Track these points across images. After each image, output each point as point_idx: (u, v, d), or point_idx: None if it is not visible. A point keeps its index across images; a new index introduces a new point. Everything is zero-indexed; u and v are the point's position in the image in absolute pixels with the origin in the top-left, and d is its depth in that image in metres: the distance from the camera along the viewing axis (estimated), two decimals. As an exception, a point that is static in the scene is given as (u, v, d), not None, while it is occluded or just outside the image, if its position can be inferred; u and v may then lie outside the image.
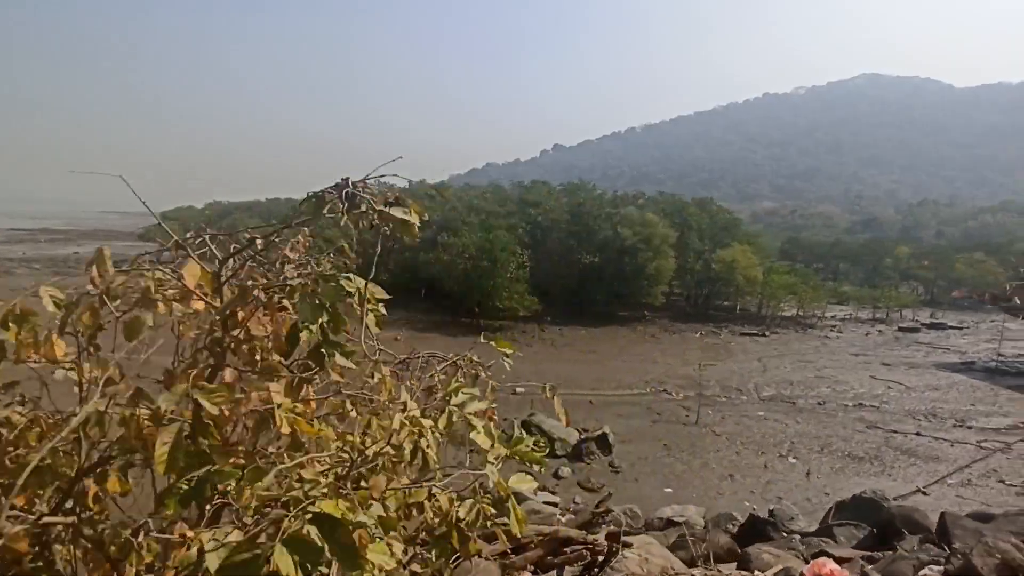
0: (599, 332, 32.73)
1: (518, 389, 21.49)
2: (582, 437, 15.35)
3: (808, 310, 40.57)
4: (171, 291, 1.77)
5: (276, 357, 1.88)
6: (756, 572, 5.53)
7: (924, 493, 14.06)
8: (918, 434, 18.18)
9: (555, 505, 11.62)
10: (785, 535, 8.49)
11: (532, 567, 5.17)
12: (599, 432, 15.43)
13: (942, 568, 4.94)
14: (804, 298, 38.95)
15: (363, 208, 1.76)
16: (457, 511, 1.95)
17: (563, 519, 5.61)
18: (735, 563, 6.05)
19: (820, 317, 40.04)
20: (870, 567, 5.38)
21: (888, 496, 14.06)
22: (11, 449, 1.64)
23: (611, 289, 35.15)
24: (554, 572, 5.11)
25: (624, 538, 5.49)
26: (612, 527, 5.47)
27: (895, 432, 18.30)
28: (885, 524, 9.19)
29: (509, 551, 5.08)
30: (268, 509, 1.42)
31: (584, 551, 5.06)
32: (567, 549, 5.16)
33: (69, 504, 1.65)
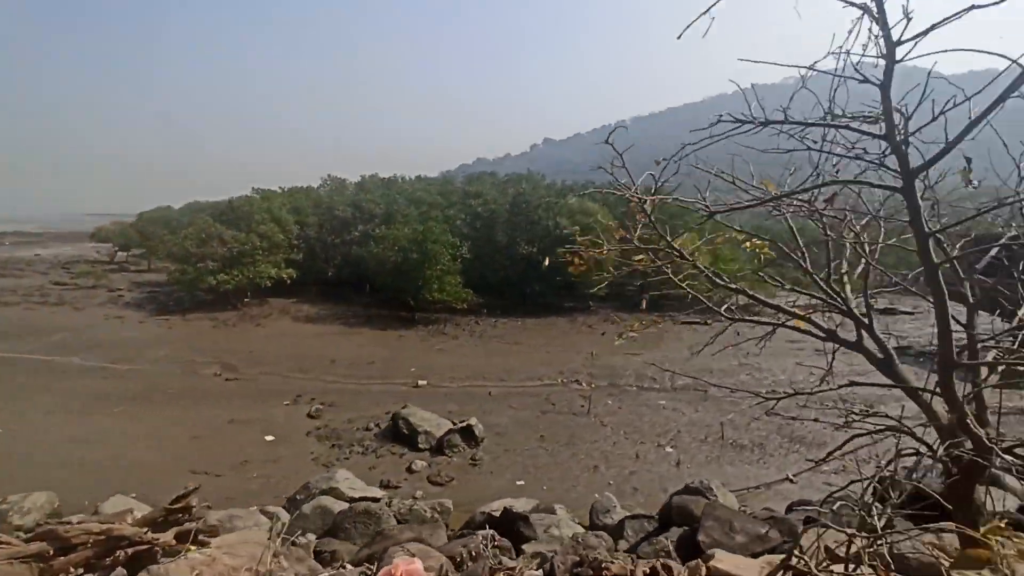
0: (536, 323, 32.11)
1: (420, 382, 21.09)
2: (447, 430, 14.69)
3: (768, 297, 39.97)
4: None
5: None
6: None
7: (792, 481, 13.53)
8: (816, 420, 17.50)
9: (376, 500, 10.98)
10: (546, 532, 7.89)
11: (78, 569, 4.55)
12: (463, 424, 14.78)
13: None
14: (757, 286, 38.24)
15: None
16: None
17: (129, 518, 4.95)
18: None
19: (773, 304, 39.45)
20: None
21: (758, 485, 13.65)
22: None
23: (551, 280, 34.50)
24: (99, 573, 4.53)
25: (205, 538, 4.85)
26: (195, 525, 4.79)
27: (794, 419, 17.57)
28: (664, 517, 8.64)
29: (51, 553, 4.47)
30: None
31: (123, 552, 4.46)
32: (128, 549, 4.56)
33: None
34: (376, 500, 11.00)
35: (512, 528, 7.85)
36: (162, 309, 32.62)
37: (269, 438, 15.27)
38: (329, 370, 22.03)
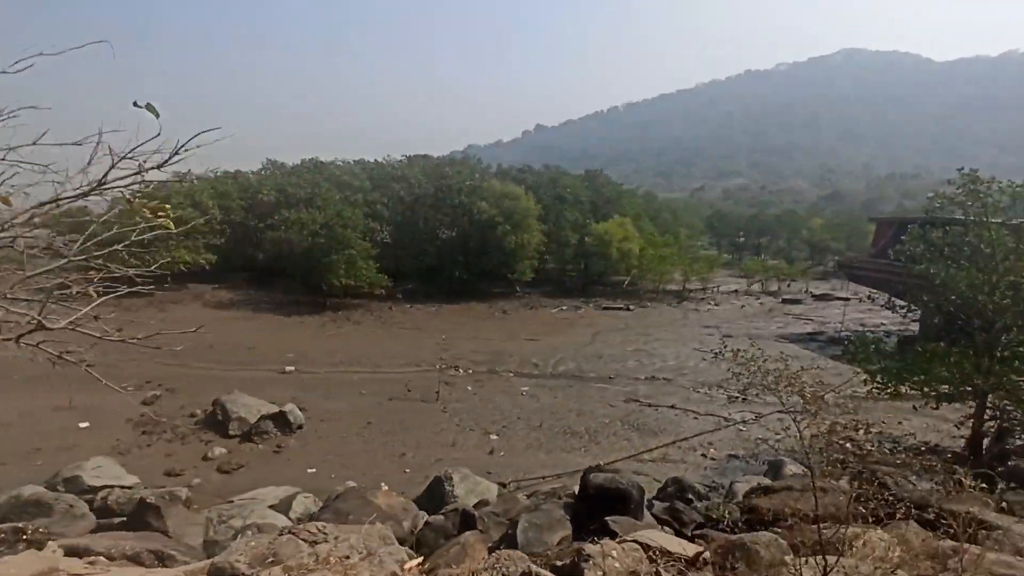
0: (452, 309, 31.60)
1: (287, 368, 20.58)
2: (259, 416, 14.19)
3: (698, 283, 39.63)
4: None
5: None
6: None
7: (601, 469, 13.07)
8: (673, 407, 17.19)
9: (128, 488, 10.50)
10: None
11: None
12: (277, 411, 14.29)
13: None
14: (688, 271, 37.98)
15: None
16: None
17: None
18: None
19: (704, 290, 39.06)
20: None
21: (558, 471, 13.10)
22: None
23: (472, 265, 34.00)
24: None
25: None
26: None
27: (651, 406, 17.31)
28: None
29: None
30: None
31: None
32: None
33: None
34: (128, 488, 10.57)
35: (142, 519, 7.38)
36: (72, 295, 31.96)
37: (84, 425, 14.78)
38: (201, 356, 21.47)
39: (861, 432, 16.35)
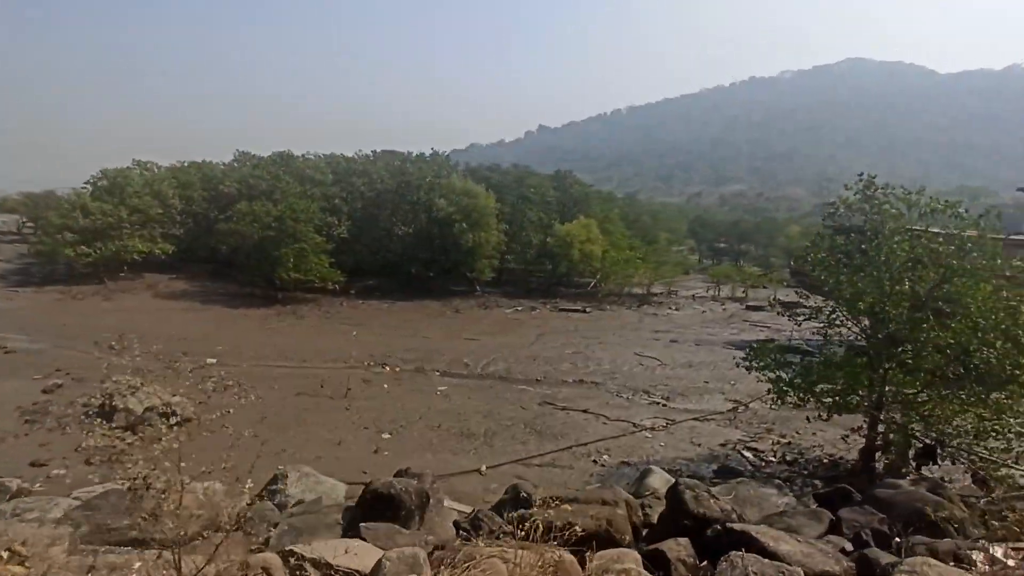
0: (404, 306, 31.32)
1: (208, 360, 20.29)
2: (145, 408, 13.90)
3: (663, 287, 39.31)
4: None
5: None
6: None
7: (480, 473, 12.77)
8: (586, 411, 16.85)
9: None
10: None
11: None
12: (163, 402, 14.00)
13: None
14: (652, 275, 37.66)
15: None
16: None
17: None
18: None
19: (669, 294, 38.70)
20: None
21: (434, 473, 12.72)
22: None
23: (430, 262, 33.75)
24: None
25: None
26: None
27: (563, 409, 16.98)
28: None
29: None
30: None
31: None
32: None
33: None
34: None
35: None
36: (24, 281, 31.76)
37: (-31, 411, 14.51)
38: (128, 345, 21.18)
39: (771, 443, 15.96)
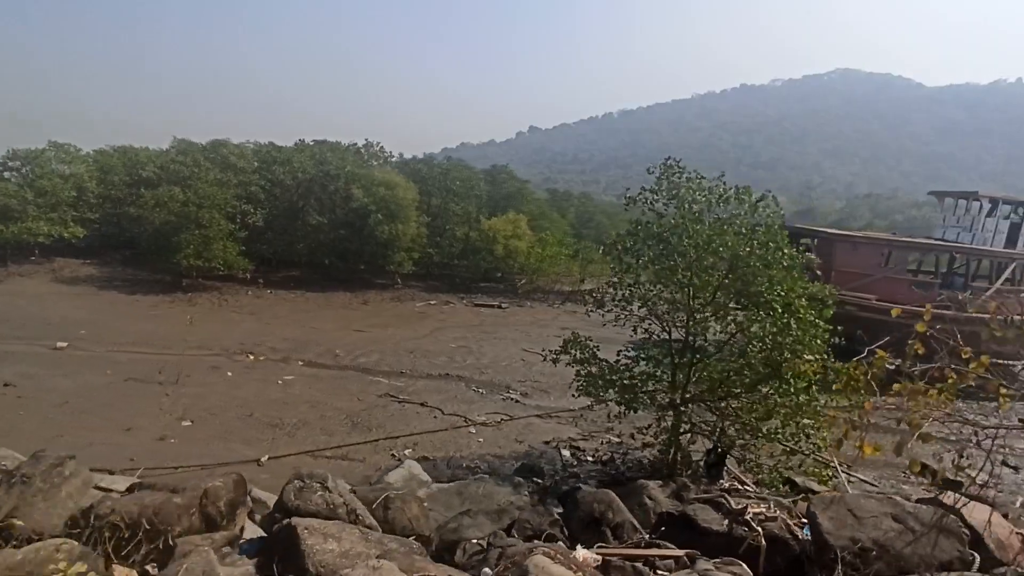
0: (311, 297, 30.65)
1: (59, 344, 19.56)
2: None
3: (599, 284, 38.78)
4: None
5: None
6: None
7: (259, 463, 12.17)
8: (423, 404, 16.28)
9: None
10: None
11: None
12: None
13: None
14: (582, 273, 37.18)
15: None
16: None
17: None
18: None
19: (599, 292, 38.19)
20: None
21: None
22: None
23: (346, 254, 33.17)
24: None
25: None
26: None
27: (401, 402, 16.39)
28: None
29: None
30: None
31: None
32: None
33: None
34: None
35: None
36: (-77, 262, 30.87)
37: None
38: (-18, 328, 20.48)
39: (601, 442, 15.39)
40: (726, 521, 6.36)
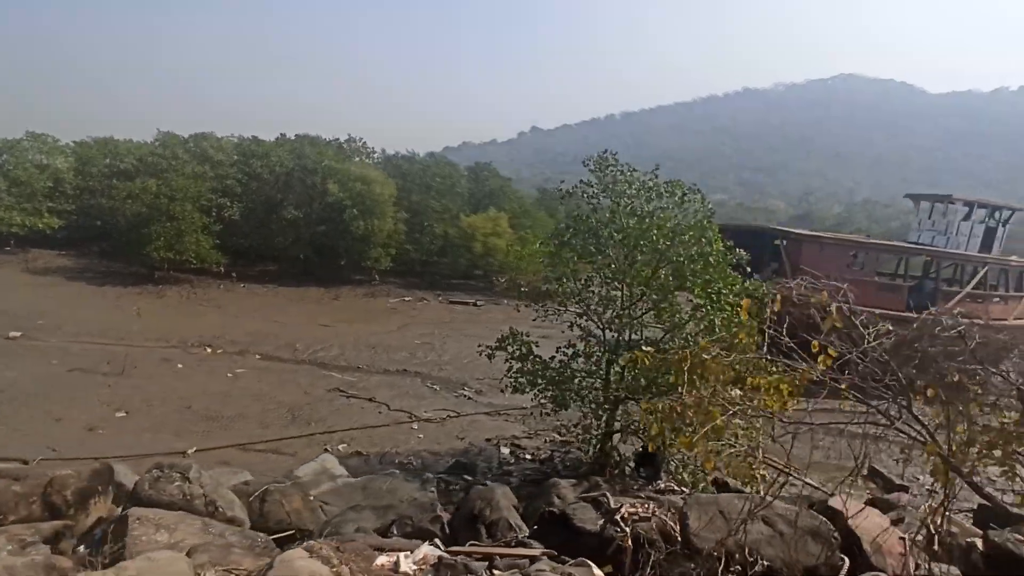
0: (284, 291, 30.44)
1: (12, 334, 19.35)
2: None
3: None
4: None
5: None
6: None
7: (184, 455, 11.93)
8: (371, 399, 16.04)
9: None
10: None
11: None
12: None
13: None
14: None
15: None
16: None
17: None
18: None
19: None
20: None
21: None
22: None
23: (323, 249, 33.01)
24: None
25: None
26: None
27: (348, 396, 16.16)
28: None
29: None
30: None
31: None
32: None
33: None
34: None
35: None
36: None
37: None
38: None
39: (544, 441, 15.10)
40: (601, 521, 6.13)
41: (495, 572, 4.87)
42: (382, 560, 4.96)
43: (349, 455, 12.62)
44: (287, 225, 32.28)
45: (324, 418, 14.45)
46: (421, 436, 14.02)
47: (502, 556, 5.45)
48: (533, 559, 5.38)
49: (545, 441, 14.43)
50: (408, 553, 5.16)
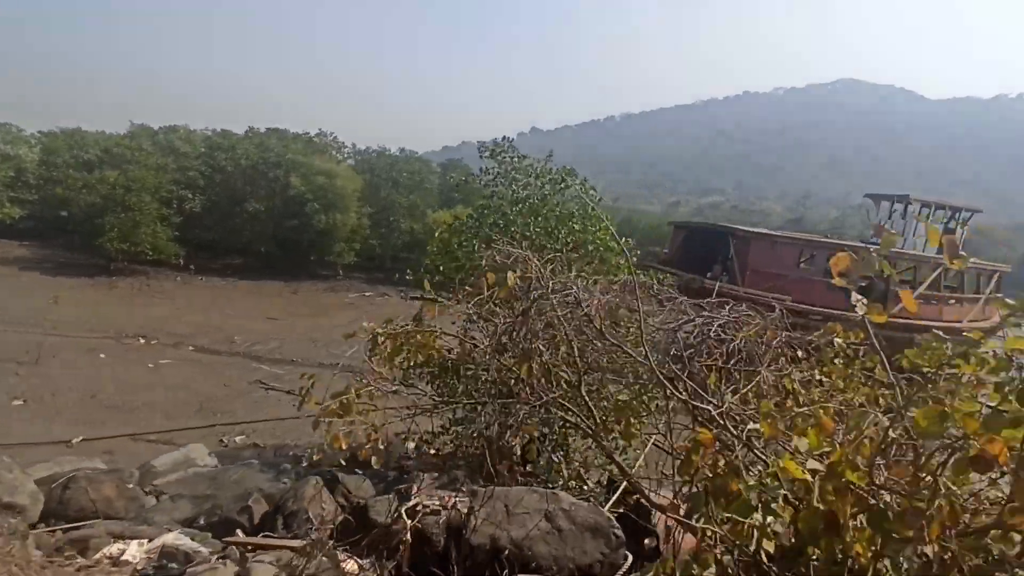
0: (245, 285, 30.20)
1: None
2: None
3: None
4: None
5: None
6: None
7: (69, 445, 11.64)
8: (290, 392, 15.67)
9: None
10: None
11: None
12: None
13: None
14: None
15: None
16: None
17: None
18: None
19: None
20: None
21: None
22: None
23: (285, 243, 32.74)
24: None
25: None
26: None
27: (268, 389, 15.88)
28: None
29: None
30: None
31: None
32: None
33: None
34: None
35: None
36: None
37: None
38: None
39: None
40: (394, 515, 5.82)
41: (227, 561, 4.62)
42: (110, 550, 4.70)
43: (245, 447, 12.36)
44: (250, 218, 31.98)
45: (235, 410, 14.16)
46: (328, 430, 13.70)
47: (263, 548, 5.19)
48: (293, 549, 5.12)
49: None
50: (145, 541, 4.90)
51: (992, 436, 1.48)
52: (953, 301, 22.79)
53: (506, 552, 5.12)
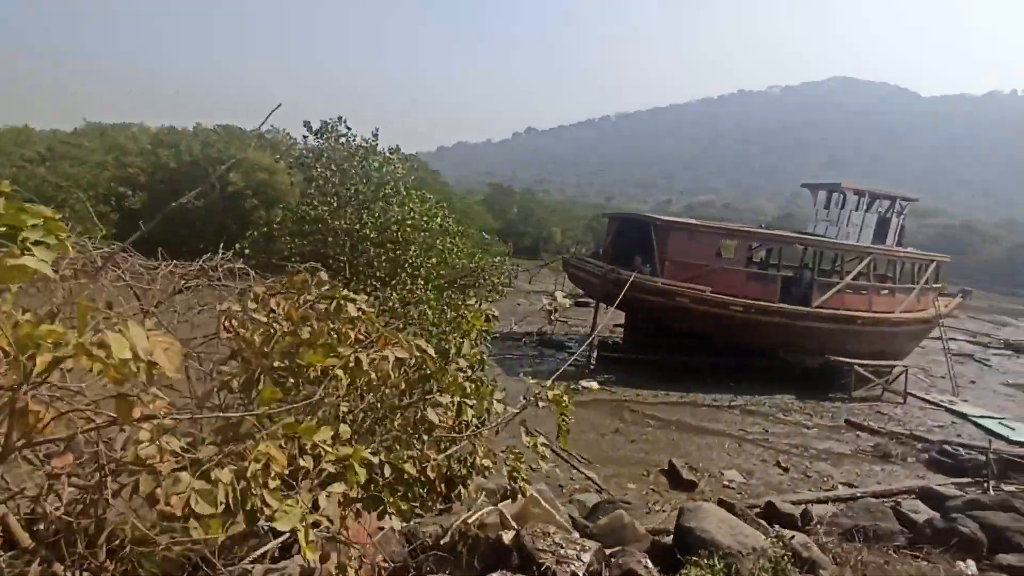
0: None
1: None
2: None
3: (508, 277, 37.87)
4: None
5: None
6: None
7: None
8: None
9: None
10: None
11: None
12: None
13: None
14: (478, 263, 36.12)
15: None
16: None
17: None
18: None
19: (497, 284, 37.23)
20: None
21: None
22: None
23: (219, 238, 32.18)
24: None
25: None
26: None
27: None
28: None
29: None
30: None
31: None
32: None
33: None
34: None
35: None
36: None
37: None
38: None
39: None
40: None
41: None
42: None
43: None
44: (187, 215, 31.52)
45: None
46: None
47: None
48: None
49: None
50: None
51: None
52: (885, 291, 22.22)
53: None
